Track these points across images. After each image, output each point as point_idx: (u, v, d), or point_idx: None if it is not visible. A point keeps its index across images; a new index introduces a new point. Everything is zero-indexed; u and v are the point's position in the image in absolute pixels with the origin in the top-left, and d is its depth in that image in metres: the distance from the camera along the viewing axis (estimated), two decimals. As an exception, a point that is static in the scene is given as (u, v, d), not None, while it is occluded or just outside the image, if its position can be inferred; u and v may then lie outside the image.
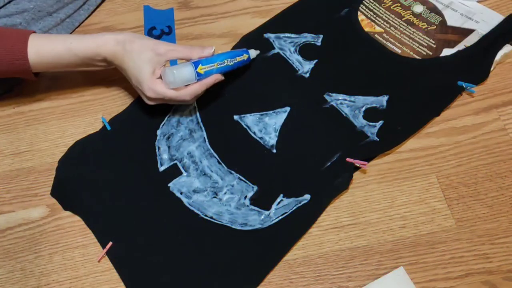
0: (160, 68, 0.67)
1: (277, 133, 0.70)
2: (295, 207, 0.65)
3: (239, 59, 0.71)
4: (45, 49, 0.67)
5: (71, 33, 0.83)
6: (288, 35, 0.78)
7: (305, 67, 0.75)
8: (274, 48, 0.77)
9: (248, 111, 0.72)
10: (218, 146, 0.70)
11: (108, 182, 0.69)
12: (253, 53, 0.74)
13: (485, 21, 0.75)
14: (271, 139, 0.70)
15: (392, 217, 0.64)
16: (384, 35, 0.77)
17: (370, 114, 0.70)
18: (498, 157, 0.66)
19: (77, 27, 0.84)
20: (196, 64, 0.66)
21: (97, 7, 0.86)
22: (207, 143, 0.71)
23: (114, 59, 0.68)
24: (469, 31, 0.75)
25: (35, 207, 0.69)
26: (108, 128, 0.73)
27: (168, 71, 0.66)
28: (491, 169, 0.65)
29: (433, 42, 0.75)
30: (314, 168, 0.67)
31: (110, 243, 0.65)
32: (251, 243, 0.64)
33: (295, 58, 0.76)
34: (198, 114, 0.73)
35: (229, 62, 0.69)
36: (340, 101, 0.72)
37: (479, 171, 0.65)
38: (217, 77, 0.69)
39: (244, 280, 0.62)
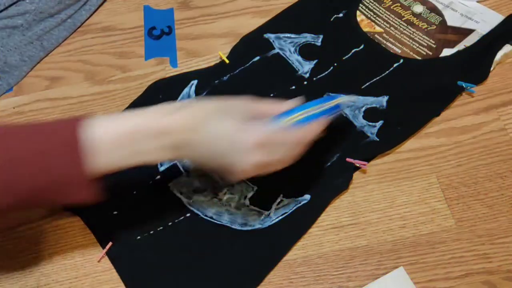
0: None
1: (277, 133, 0.70)
2: (295, 207, 0.65)
3: (326, 106, 0.60)
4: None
5: (72, 34, 0.83)
6: (288, 35, 0.78)
7: (305, 67, 0.75)
8: (274, 48, 0.77)
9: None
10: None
11: (108, 182, 0.69)
12: (345, 99, 0.63)
13: (485, 21, 0.75)
14: (271, 139, 0.70)
15: (392, 217, 0.64)
16: (384, 35, 0.77)
17: (370, 114, 0.70)
18: (498, 157, 0.66)
19: (78, 27, 0.84)
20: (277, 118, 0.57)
21: (98, 7, 0.86)
22: (207, 143, 0.71)
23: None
24: (469, 31, 0.75)
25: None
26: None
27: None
28: (491, 169, 0.65)
29: (433, 42, 0.75)
30: (314, 168, 0.67)
31: (110, 243, 0.65)
32: (251, 243, 0.64)
33: (295, 58, 0.76)
34: (198, 114, 0.73)
35: (315, 110, 0.59)
36: (340, 101, 0.72)
37: (479, 171, 0.65)
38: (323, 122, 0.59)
39: (244, 280, 0.62)
